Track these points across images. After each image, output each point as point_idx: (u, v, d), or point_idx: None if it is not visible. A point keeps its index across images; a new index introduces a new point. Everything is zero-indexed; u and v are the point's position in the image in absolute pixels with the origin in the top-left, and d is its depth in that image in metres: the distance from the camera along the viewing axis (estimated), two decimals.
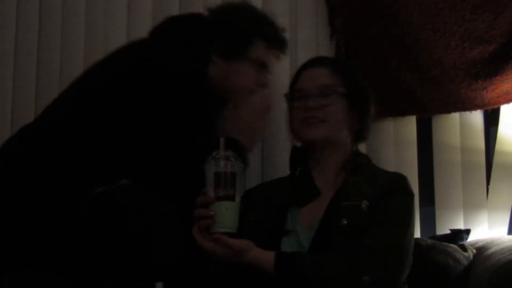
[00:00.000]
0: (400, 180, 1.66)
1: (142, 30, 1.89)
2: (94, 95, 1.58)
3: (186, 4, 2.22)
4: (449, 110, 2.23)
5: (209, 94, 1.67)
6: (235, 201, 1.50)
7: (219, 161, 1.50)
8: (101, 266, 1.41)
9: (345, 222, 1.55)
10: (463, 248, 1.95)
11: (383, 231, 1.53)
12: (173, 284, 1.42)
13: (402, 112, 2.25)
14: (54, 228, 1.44)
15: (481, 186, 2.24)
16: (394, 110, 2.23)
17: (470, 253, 1.93)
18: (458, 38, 2.19)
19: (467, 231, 2.07)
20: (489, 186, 2.23)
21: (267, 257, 1.50)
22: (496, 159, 2.23)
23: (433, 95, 2.21)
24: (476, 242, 2.02)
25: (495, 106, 2.21)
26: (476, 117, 2.25)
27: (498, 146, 2.24)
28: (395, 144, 2.26)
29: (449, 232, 2.08)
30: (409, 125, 2.28)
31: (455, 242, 1.98)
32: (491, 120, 2.32)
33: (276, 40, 1.81)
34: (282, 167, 2.01)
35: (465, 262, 1.90)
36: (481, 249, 1.93)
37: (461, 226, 2.19)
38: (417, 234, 2.16)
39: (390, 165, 2.15)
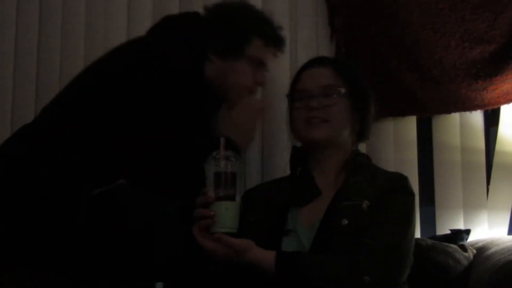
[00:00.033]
0: (400, 180, 1.65)
1: (142, 30, 1.89)
2: (94, 95, 1.58)
3: (186, 4, 2.22)
4: (449, 110, 2.23)
5: (208, 93, 1.67)
6: (235, 201, 1.50)
7: (219, 161, 1.50)
8: (101, 266, 1.42)
9: (346, 222, 1.55)
10: (463, 248, 1.95)
11: (383, 231, 1.53)
12: (173, 284, 1.42)
13: (402, 112, 2.25)
14: (54, 228, 1.44)
15: (481, 186, 2.24)
16: (394, 110, 2.23)
17: (470, 253, 1.93)
18: (458, 38, 2.19)
19: (467, 231, 2.07)
20: (489, 186, 2.23)
21: (267, 256, 1.50)
22: (496, 159, 2.23)
23: (433, 95, 2.21)
24: (476, 242, 2.02)
25: (495, 106, 2.21)
26: (476, 117, 2.25)
27: (498, 146, 2.24)
28: (395, 144, 2.26)
29: (449, 232, 2.08)
30: (409, 125, 2.28)
31: (455, 242, 1.98)
32: (491, 120, 2.32)
33: (273, 38, 1.81)
34: (282, 167, 2.00)
35: (465, 262, 1.90)
36: (481, 249, 1.93)
37: (461, 226, 2.19)
38: (417, 234, 2.16)
39: (390, 165, 2.15)
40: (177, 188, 1.59)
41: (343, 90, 1.67)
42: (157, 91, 1.55)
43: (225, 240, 1.48)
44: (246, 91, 1.79)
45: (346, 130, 1.69)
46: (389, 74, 2.22)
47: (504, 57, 2.16)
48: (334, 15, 2.26)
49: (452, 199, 2.23)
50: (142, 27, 2.03)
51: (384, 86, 2.18)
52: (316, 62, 1.77)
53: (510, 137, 2.22)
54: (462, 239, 2.03)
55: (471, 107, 2.21)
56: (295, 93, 1.73)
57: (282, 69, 2.16)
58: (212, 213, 1.49)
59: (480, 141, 2.26)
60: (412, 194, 1.64)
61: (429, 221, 2.28)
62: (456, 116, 2.25)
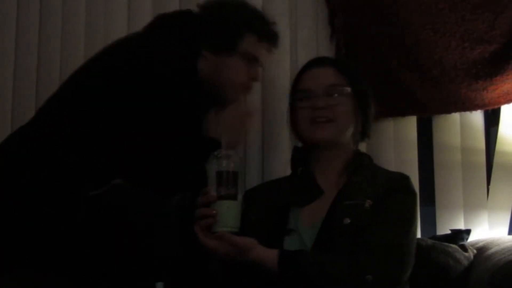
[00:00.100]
0: (402, 179, 1.66)
1: None
2: (93, 94, 1.57)
3: (186, 4, 2.22)
4: (449, 110, 2.23)
5: (204, 91, 1.67)
6: (237, 200, 1.50)
7: (221, 160, 1.50)
8: (101, 266, 1.41)
9: (349, 221, 1.55)
10: (464, 248, 1.95)
11: (385, 231, 1.53)
12: (173, 284, 1.42)
13: (402, 112, 2.25)
14: (54, 228, 1.44)
15: (482, 186, 2.24)
16: (394, 110, 2.23)
17: (471, 253, 1.93)
18: (458, 38, 2.19)
19: (468, 231, 2.07)
20: (490, 186, 2.23)
21: (270, 255, 1.49)
22: (496, 159, 2.23)
23: (433, 95, 2.21)
24: (477, 242, 2.02)
25: (496, 106, 2.21)
26: (477, 117, 2.25)
27: (499, 146, 2.24)
28: (395, 144, 2.26)
29: (449, 232, 2.08)
30: (409, 125, 2.28)
31: (455, 242, 1.98)
32: (492, 120, 2.32)
33: (266, 34, 1.80)
34: (282, 167, 2.01)
35: (465, 262, 1.90)
36: (481, 249, 1.93)
37: (461, 226, 2.19)
38: (418, 234, 2.15)
39: (390, 165, 2.15)
40: (177, 188, 1.59)
41: (347, 90, 1.67)
42: (157, 90, 1.55)
43: (228, 238, 1.47)
44: (241, 87, 1.78)
45: (349, 130, 1.70)
46: (389, 74, 2.22)
47: (504, 57, 2.16)
48: (334, 15, 2.26)
49: (453, 199, 2.23)
50: (142, 27, 2.03)
51: (384, 86, 2.18)
52: (318, 62, 1.77)
53: (510, 137, 2.22)
54: (462, 239, 2.03)
55: (471, 107, 2.21)
56: (298, 93, 1.72)
57: (282, 69, 2.16)
58: (214, 212, 1.49)
59: (480, 141, 2.25)
60: (413, 194, 1.64)
61: (430, 221, 2.28)
62: (456, 116, 2.25)
